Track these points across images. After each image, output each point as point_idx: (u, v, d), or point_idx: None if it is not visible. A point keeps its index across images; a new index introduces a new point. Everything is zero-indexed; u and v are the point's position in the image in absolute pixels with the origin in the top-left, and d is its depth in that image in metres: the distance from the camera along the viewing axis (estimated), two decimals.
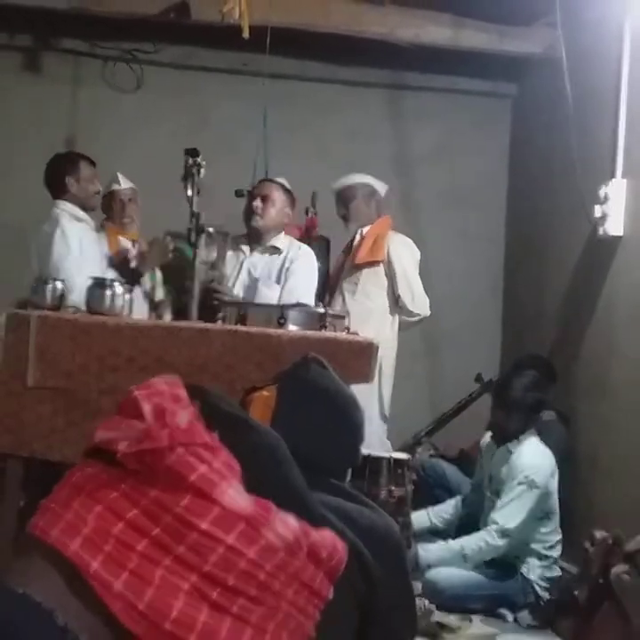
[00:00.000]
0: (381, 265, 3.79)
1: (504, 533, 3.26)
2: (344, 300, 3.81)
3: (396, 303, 3.83)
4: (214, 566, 0.52)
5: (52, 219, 3.51)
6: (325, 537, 0.54)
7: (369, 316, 3.74)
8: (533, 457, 3.36)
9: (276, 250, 3.38)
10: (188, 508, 0.52)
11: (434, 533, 3.60)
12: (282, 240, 3.42)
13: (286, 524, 0.54)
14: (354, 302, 3.79)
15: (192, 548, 0.52)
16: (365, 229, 3.88)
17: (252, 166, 3.81)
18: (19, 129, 4.61)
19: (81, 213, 3.59)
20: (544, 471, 3.34)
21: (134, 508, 0.53)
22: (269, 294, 3.27)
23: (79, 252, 3.43)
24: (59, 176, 3.59)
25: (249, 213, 3.40)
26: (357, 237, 3.90)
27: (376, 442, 3.62)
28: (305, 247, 3.46)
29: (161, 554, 0.52)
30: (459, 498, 3.69)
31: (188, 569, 0.52)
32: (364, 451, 2.47)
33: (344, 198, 3.89)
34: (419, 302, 3.81)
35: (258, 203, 3.37)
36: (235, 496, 0.53)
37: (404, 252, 3.84)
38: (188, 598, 0.52)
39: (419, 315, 3.83)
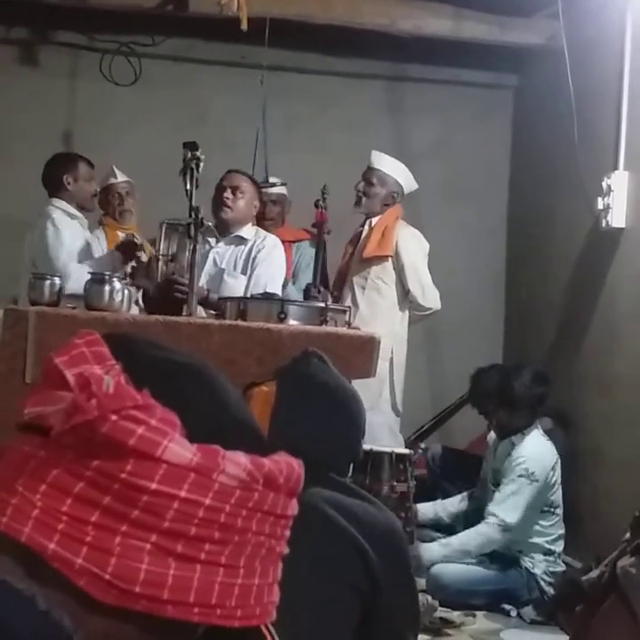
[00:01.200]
0: (390, 259, 3.73)
1: (504, 528, 3.25)
2: (354, 294, 3.76)
3: (405, 297, 3.76)
4: (172, 522, 0.52)
5: (45, 214, 3.52)
6: (279, 461, 0.54)
7: (379, 311, 3.69)
8: (534, 449, 3.35)
9: (242, 240, 3.35)
10: (134, 472, 0.51)
11: (440, 527, 3.59)
12: (248, 230, 3.39)
13: (237, 463, 0.53)
14: (364, 297, 3.74)
15: (146, 509, 0.51)
16: (374, 220, 3.81)
17: (250, 159, 3.78)
18: (16, 123, 4.58)
19: (75, 211, 3.59)
20: (544, 464, 3.32)
21: (79, 482, 0.52)
22: (235, 284, 3.24)
23: (71, 243, 3.44)
24: (57, 174, 3.60)
25: (218, 205, 3.36)
26: (366, 228, 3.83)
27: (388, 435, 3.60)
28: (271, 237, 3.44)
29: (116, 521, 0.52)
30: (465, 493, 3.69)
31: (147, 530, 0.52)
32: (366, 446, 2.46)
33: (369, 179, 3.80)
34: (429, 296, 3.74)
35: (228, 194, 3.33)
36: (178, 450, 0.52)
37: (412, 246, 3.77)
38: (152, 558, 0.52)
39: (430, 308, 3.77)
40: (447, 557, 3.28)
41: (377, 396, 3.53)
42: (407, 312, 3.80)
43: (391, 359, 3.64)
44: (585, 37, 3.98)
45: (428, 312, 3.80)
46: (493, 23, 4.37)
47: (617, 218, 3.72)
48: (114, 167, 3.94)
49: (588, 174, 3.79)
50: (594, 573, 1.59)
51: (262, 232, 3.45)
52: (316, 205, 3.61)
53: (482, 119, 4.97)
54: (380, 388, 3.55)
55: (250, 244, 3.34)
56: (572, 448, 3.81)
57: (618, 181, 3.72)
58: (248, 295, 3.14)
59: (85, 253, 3.52)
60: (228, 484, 0.56)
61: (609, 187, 3.74)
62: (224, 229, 3.36)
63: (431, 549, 3.29)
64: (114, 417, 0.51)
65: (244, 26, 3.69)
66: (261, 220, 4.09)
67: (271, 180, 4.01)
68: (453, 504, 3.67)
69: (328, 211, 3.96)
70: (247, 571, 0.60)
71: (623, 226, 3.72)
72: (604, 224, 3.78)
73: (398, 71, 4.95)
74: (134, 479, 0.51)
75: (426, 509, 3.56)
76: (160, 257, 3.04)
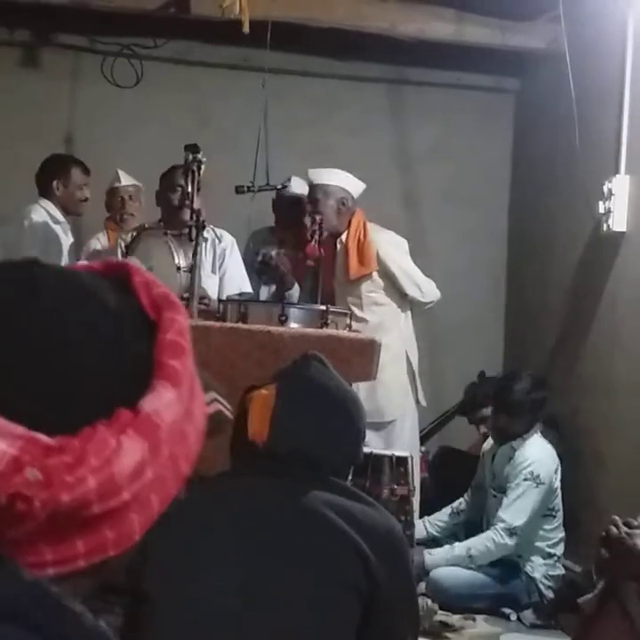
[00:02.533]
0: (376, 272, 3.63)
1: (512, 532, 3.24)
2: (352, 311, 3.71)
3: (403, 297, 3.71)
4: None
5: (26, 212, 3.54)
6: None
7: (383, 323, 3.64)
8: (537, 453, 3.35)
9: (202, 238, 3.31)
10: None
11: (433, 541, 3.56)
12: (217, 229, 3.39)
13: None
14: (364, 314, 3.63)
15: None
16: (343, 237, 3.63)
17: (251, 161, 3.78)
18: (18, 124, 4.58)
19: (59, 215, 3.61)
20: (548, 467, 3.32)
21: None
22: (211, 285, 3.23)
23: (45, 247, 3.46)
24: (47, 178, 3.62)
25: (172, 204, 3.30)
26: (339, 247, 3.65)
27: (412, 439, 3.60)
28: (226, 233, 3.44)
29: None
30: (454, 505, 3.66)
31: None
32: (366, 449, 2.45)
33: (314, 198, 3.56)
34: (427, 291, 3.68)
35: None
36: None
37: (392, 250, 3.65)
38: None
39: (431, 301, 3.73)
40: (450, 562, 3.27)
41: (402, 405, 3.56)
42: (409, 312, 3.78)
43: (408, 359, 3.64)
44: (586, 41, 3.98)
45: (431, 304, 3.76)
46: (495, 27, 4.38)
47: (618, 222, 3.72)
48: (119, 171, 3.94)
49: (589, 178, 3.79)
50: (591, 595, 1.59)
51: (216, 229, 3.43)
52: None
53: (483, 123, 4.97)
54: (404, 395, 3.57)
55: (209, 242, 3.31)
56: (566, 450, 3.81)
57: (619, 185, 3.72)
58: (223, 296, 3.15)
59: (57, 259, 3.51)
60: None
61: (610, 190, 3.74)
62: (180, 227, 3.06)
63: (435, 553, 3.29)
64: None
65: (246, 29, 3.69)
66: (279, 221, 4.08)
67: (294, 179, 3.93)
68: (442, 519, 3.63)
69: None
70: None
71: (624, 230, 3.72)
72: (604, 228, 3.78)
73: (400, 74, 4.96)
74: None
75: (417, 527, 3.52)
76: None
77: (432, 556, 3.28)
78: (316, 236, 3.34)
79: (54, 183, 3.59)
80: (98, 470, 0.49)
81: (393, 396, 3.54)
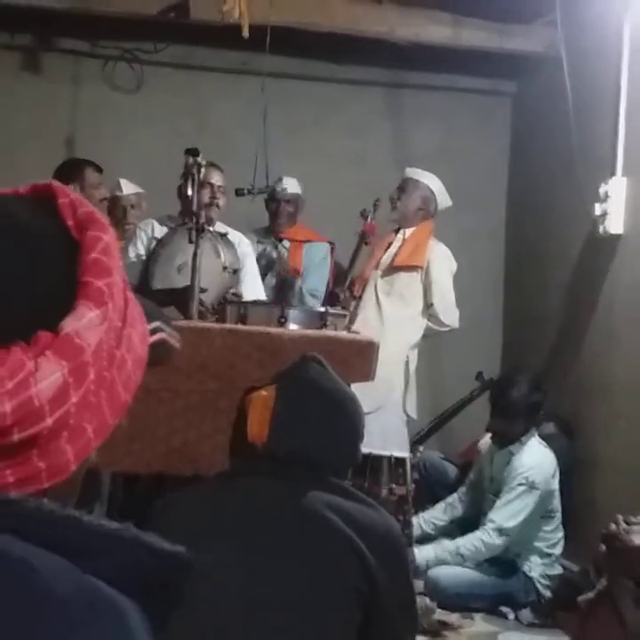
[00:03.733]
0: (419, 271, 3.74)
1: (501, 532, 3.25)
2: (377, 297, 3.76)
3: (426, 310, 3.76)
4: None
5: None
6: None
7: (400, 317, 3.69)
8: (534, 458, 3.36)
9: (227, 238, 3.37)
10: None
11: (428, 539, 3.57)
12: (230, 229, 3.42)
13: None
14: (388, 302, 3.73)
15: None
16: (408, 232, 3.83)
17: (251, 165, 3.80)
18: (19, 128, 4.60)
19: None
20: (545, 472, 3.33)
21: None
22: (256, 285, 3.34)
23: None
24: (62, 183, 3.59)
25: (192, 202, 3.36)
26: (400, 238, 3.85)
27: (402, 441, 3.60)
28: (244, 237, 3.49)
29: None
30: (448, 501, 3.67)
31: None
32: (365, 449, 2.47)
33: (403, 187, 3.85)
34: (450, 314, 3.76)
35: (216, 192, 3.35)
36: None
37: (443, 262, 3.80)
38: None
39: (448, 326, 3.77)
40: (439, 558, 3.28)
41: (384, 397, 3.53)
42: (425, 322, 3.80)
43: (406, 364, 3.65)
44: (583, 45, 4.00)
45: (445, 329, 3.79)
46: (492, 31, 4.40)
47: (614, 224, 3.73)
48: (120, 180, 3.95)
49: (586, 180, 3.81)
50: (590, 593, 1.61)
51: (236, 232, 3.47)
52: (364, 216, 3.65)
53: (481, 126, 4.99)
54: (388, 389, 3.55)
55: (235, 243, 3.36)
56: (572, 453, 3.83)
57: (615, 187, 3.73)
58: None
59: None
60: None
61: (606, 193, 3.75)
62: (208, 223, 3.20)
63: (424, 549, 3.31)
64: None
65: (246, 33, 3.71)
66: (275, 219, 4.12)
67: (286, 179, 4.04)
68: (437, 517, 3.64)
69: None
70: None
71: (621, 232, 3.73)
72: (601, 230, 3.79)
73: (398, 78, 4.98)
74: None
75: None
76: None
77: (421, 551, 3.29)
78: (371, 215, 3.59)
79: (72, 186, 3.57)
80: (13, 393, 0.46)
81: (371, 386, 3.52)
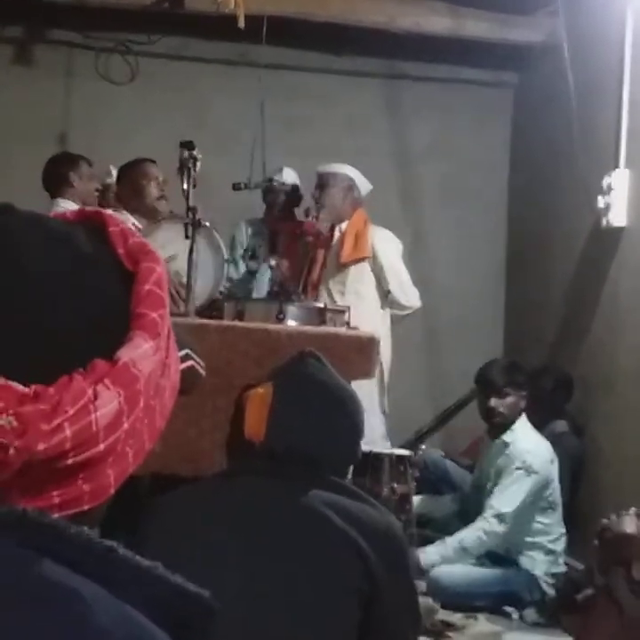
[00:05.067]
0: (367, 261, 3.71)
1: (501, 518, 3.23)
2: (333, 300, 3.74)
3: (385, 297, 3.76)
4: None
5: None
6: None
7: (361, 314, 3.66)
8: (529, 443, 3.36)
9: None
10: None
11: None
12: None
13: None
14: (344, 302, 3.70)
15: None
16: (343, 226, 3.77)
17: (248, 157, 3.75)
18: (12, 122, 4.55)
19: None
20: (541, 457, 3.32)
21: None
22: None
23: None
24: (62, 172, 3.56)
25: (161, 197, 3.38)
26: (337, 234, 3.79)
27: (379, 438, 3.57)
28: None
29: None
30: (455, 495, 3.67)
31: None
32: (366, 447, 2.43)
33: (323, 183, 3.77)
34: (410, 295, 3.75)
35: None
36: None
37: (388, 246, 3.76)
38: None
39: (411, 307, 3.77)
40: (444, 557, 3.25)
41: (366, 399, 3.48)
42: (388, 311, 3.78)
43: (380, 362, 3.62)
44: (585, 35, 3.96)
45: (408, 311, 3.79)
46: (493, 21, 4.35)
47: (617, 216, 3.70)
48: (111, 167, 3.92)
49: (589, 172, 3.77)
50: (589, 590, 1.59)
51: None
52: (307, 214, 3.61)
53: (482, 117, 4.95)
54: (370, 391, 3.52)
55: None
56: (584, 452, 3.80)
57: (618, 179, 3.70)
58: None
59: None
60: None
61: (609, 185, 3.72)
62: None
63: (428, 551, 3.27)
64: None
65: (241, 23, 3.66)
66: (271, 210, 4.08)
67: (285, 170, 4.02)
68: (445, 503, 3.66)
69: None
70: None
71: (624, 224, 3.71)
72: (604, 222, 3.76)
73: (397, 69, 4.93)
74: None
75: (417, 503, 3.52)
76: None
77: (426, 554, 3.26)
78: (314, 213, 3.52)
79: (71, 176, 3.53)
80: (74, 419, 0.48)
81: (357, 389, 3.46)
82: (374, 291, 3.73)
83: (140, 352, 0.51)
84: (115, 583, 0.48)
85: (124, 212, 3.42)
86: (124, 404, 0.50)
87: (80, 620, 0.45)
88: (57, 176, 3.56)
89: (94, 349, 0.51)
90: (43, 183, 3.60)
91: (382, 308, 3.76)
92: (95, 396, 0.49)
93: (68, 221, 0.56)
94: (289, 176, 4.04)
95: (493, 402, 3.39)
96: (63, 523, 0.48)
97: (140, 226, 3.14)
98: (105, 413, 0.49)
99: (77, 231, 0.55)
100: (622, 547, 1.48)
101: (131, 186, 3.41)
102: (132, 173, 3.43)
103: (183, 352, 0.91)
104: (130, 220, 3.33)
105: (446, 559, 3.26)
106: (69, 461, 0.49)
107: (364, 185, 3.82)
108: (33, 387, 0.48)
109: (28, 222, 0.53)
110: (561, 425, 3.78)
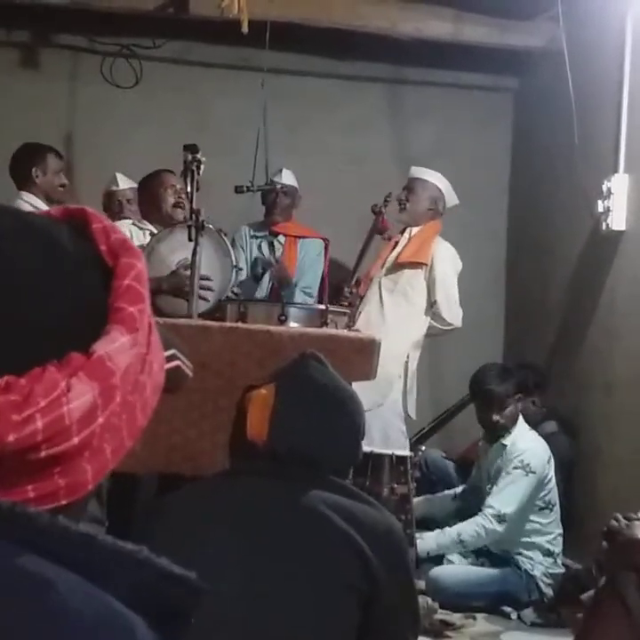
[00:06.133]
0: (423, 268, 3.73)
1: (501, 518, 3.25)
2: (381, 295, 3.76)
3: (430, 308, 3.76)
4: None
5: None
6: None
7: (402, 314, 3.69)
8: (527, 442, 3.37)
9: None
10: None
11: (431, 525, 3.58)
12: None
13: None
14: (391, 299, 3.73)
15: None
16: (414, 230, 3.83)
17: (251, 161, 3.78)
18: (17, 125, 4.57)
19: (43, 206, 3.54)
20: (539, 456, 3.33)
21: None
22: None
23: None
24: (24, 166, 3.49)
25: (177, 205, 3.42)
26: (406, 236, 3.85)
27: (402, 440, 3.58)
28: None
29: None
30: (455, 491, 3.69)
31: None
32: (366, 448, 2.45)
33: (411, 187, 3.83)
34: (454, 312, 3.75)
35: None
36: None
37: (447, 261, 3.80)
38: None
39: (451, 325, 3.76)
40: (441, 546, 3.28)
41: (384, 395, 3.51)
42: (428, 321, 3.79)
43: (406, 363, 3.63)
44: (585, 40, 3.98)
45: (448, 328, 3.78)
46: (494, 26, 4.37)
47: (617, 220, 3.72)
48: (117, 174, 3.93)
49: (588, 177, 3.79)
50: (593, 591, 1.60)
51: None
52: (375, 211, 3.66)
53: (482, 122, 4.97)
54: (388, 387, 3.53)
55: None
56: (574, 452, 3.81)
57: (618, 184, 3.72)
58: None
59: None
60: None
61: (609, 189, 3.74)
62: None
63: (426, 537, 3.30)
64: None
65: (245, 29, 3.69)
66: (271, 211, 4.11)
67: (285, 172, 4.05)
68: (445, 501, 3.67)
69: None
70: None
71: (623, 229, 3.72)
72: (604, 227, 3.78)
73: (399, 74, 4.95)
74: None
75: (417, 505, 3.55)
76: None
77: (424, 539, 3.28)
78: (384, 210, 3.62)
79: (33, 171, 3.46)
80: (46, 411, 0.47)
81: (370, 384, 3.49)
82: (422, 297, 3.74)
83: (116, 346, 0.51)
84: (95, 571, 0.47)
85: (145, 222, 3.45)
86: (98, 397, 0.49)
87: (52, 610, 0.45)
88: (20, 170, 3.50)
89: (70, 343, 0.50)
90: (9, 173, 3.54)
91: (426, 314, 3.76)
92: (68, 389, 0.48)
93: (51, 218, 0.56)
94: (288, 177, 4.07)
95: (495, 417, 3.39)
96: (37, 512, 0.47)
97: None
98: (78, 406, 0.48)
99: (59, 227, 0.54)
100: (635, 552, 1.48)
101: (149, 196, 3.43)
102: (150, 184, 3.45)
103: (170, 352, 0.92)
104: (148, 230, 3.35)
105: (442, 548, 3.29)
106: (42, 454, 0.48)
107: (451, 199, 3.89)
108: (5, 377, 0.47)
109: (6, 215, 0.53)
110: (551, 425, 3.79)
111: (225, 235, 3.10)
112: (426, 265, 3.73)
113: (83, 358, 0.50)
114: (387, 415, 3.48)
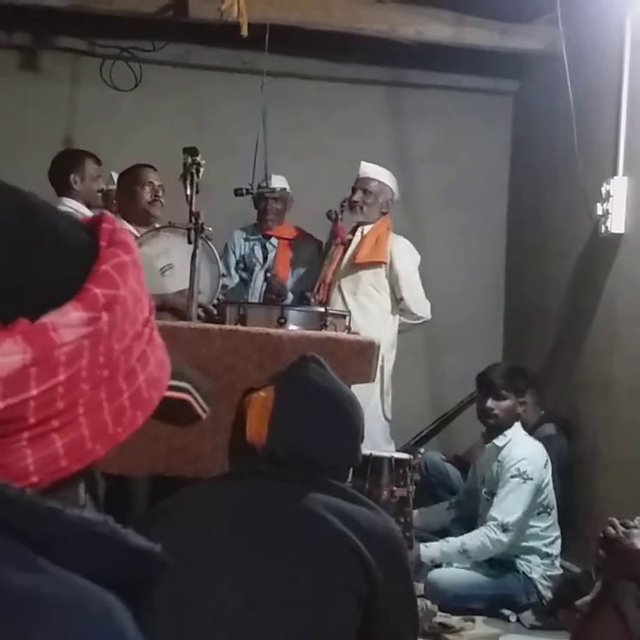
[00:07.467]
0: (383, 267, 3.76)
1: (505, 528, 3.24)
2: (344, 298, 3.78)
3: (396, 304, 3.80)
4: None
5: None
6: None
7: (370, 316, 3.72)
8: (523, 449, 3.36)
9: None
10: None
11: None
12: None
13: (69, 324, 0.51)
14: (355, 302, 3.76)
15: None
16: (366, 228, 3.85)
17: (250, 164, 3.78)
18: (17, 128, 4.59)
19: (85, 210, 3.56)
20: (536, 462, 3.33)
21: None
22: None
23: None
24: (63, 173, 3.55)
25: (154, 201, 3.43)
26: (357, 235, 3.86)
27: (382, 441, 3.59)
28: None
29: None
30: (450, 501, 3.68)
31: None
32: (366, 450, 2.45)
33: (368, 190, 3.85)
34: (422, 305, 3.81)
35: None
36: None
37: (406, 256, 3.82)
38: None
39: (421, 318, 3.82)
40: (444, 554, 3.27)
41: (365, 401, 3.50)
42: (397, 318, 3.81)
43: (381, 366, 3.61)
44: (584, 43, 3.99)
45: (418, 321, 3.84)
46: (494, 29, 4.38)
47: (616, 223, 3.72)
48: (112, 173, 3.94)
49: (588, 180, 3.79)
50: (589, 596, 1.60)
51: None
52: (331, 218, 3.68)
53: (482, 125, 4.98)
54: (368, 393, 3.53)
55: None
56: (572, 454, 3.81)
57: (617, 187, 3.72)
58: None
59: None
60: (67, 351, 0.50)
61: (608, 192, 3.74)
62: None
63: (430, 546, 3.30)
64: None
65: (245, 31, 3.70)
66: (263, 216, 4.12)
67: (274, 177, 4.06)
68: (440, 513, 3.66)
69: (321, 217, 4.02)
70: None
71: (622, 231, 3.72)
72: (603, 229, 3.78)
73: (399, 77, 4.96)
74: None
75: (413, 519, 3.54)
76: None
77: (428, 548, 3.28)
78: (340, 216, 3.67)
79: (72, 177, 3.50)
80: None
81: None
82: (386, 295, 3.77)
83: (64, 319, 0.49)
84: (58, 545, 0.47)
85: (124, 221, 3.44)
86: (29, 362, 0.48)
87: (7, 587, 0.44)
88: (59, 176, 3.54)
89: (26, 310, 0.49)
90: (49, 180, 3.57)
91: (392, 313, 3.79)
92: None
93: (65, 214, 0.57)
94: (278, 182, 4.09)
95: (490, 402, 3.40)
96: (4, 483, 0.47)
97: (137, 233, 3.14)
98: (2, 363, 0.47)
99: (65, 219, 0.55)
100: (634, 562, 1.47)
101: (125, 192, 3.41)
102: (127, 180, 3.43)
103: (183, 384, 0.90)
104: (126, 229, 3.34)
105: (446, 557, 3.28)
106: None
107: (396, 194, 3.94)
108: None
109: (10, 192, 0.54)
110: (549, 428, 3.79)
111: (211, 240, 3.09)
112: (385, 263, 3.75)
113: (28, 324, 0.49)
114: (370, 420, 3.49)
